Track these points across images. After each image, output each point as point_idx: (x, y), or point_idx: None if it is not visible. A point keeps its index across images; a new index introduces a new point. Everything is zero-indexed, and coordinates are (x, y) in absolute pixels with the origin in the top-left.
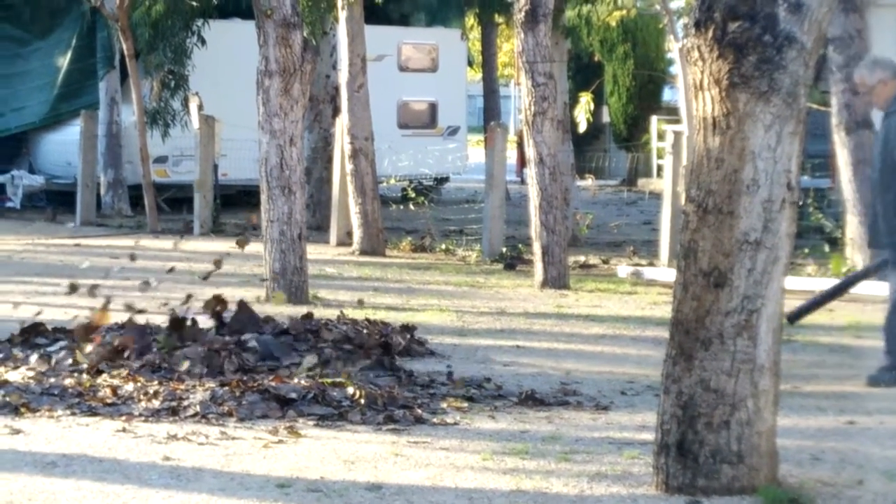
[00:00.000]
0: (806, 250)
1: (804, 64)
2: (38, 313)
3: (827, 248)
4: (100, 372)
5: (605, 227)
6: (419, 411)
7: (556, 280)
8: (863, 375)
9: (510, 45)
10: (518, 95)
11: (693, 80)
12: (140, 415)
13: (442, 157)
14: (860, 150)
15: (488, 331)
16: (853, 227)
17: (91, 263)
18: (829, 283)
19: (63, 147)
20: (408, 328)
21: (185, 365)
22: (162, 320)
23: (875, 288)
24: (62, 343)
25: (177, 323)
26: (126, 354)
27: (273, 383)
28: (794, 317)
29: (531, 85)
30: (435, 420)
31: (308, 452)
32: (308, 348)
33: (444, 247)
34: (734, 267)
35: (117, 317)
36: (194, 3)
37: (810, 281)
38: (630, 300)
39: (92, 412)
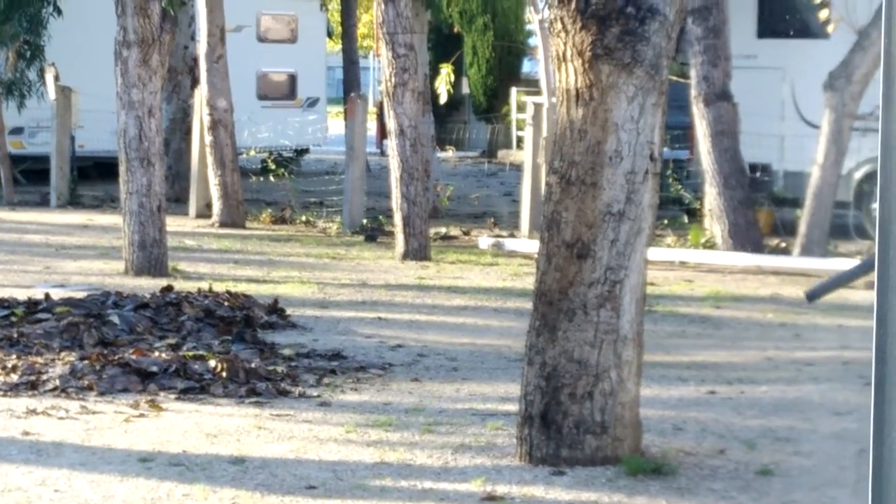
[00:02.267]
0: (665, 221)
1: (667, 36)
2: None
3: (686, 219)
4: None
5: (465, 198)
6: (282, 384)
7: (418, 252)
8: (722, 346)
9: (370, 16)
10: (378, 67)
11: (556, 51)
12: None
13: (302, 128)
14: (719, 121)
15: (350, 303)
16: (711, 198)
17: None
18: (687, 253)
19: None
20: (273, 304)
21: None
22: (19, 293)
23: (732, 258)
24: None
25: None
26: None
27: (134, 357)
28: (813, 295)
29: (392, 56)
30: (297, 393)
31: (170, 426)
32: (169, 321)
33: (304, 219)
34: (597, 238)
35: None
36: None
37: (671, 252)
38: (491, 271)
39: None
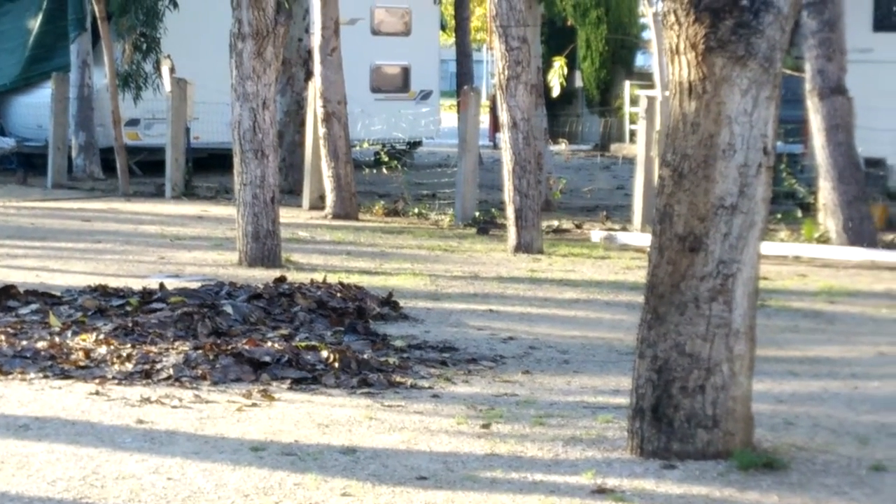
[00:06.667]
0: (779, 215)
1: (781, 28)
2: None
3: (799, 214)
4: (74, 334)
5: (578, 191)
6: (393, 375)
7: (530, 244)
8: (835, 341)
9: (483, 9)
10: (491, 60)
11: (669, 44)
12: (113, 378)
13: (415, 121)
14: (833, 115)
15: (462, 295)
16: (825, 193)
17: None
18: (800, 248)
19: (34, 110)
20: (388, 296)
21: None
22: (134, 283)
23: (846, 253)
24: (34, 306)
25: (149, 286)
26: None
27: (247, 347)
28: None
29: (505, 49)
30: (409, 384)
31: (282, 416)
32: (282, 312)
33: (417, 211)
34: (710, 231)
35: (89, 280)
36: None
37: (783, 246)
38: (603, 265)
39: (65, 375)
